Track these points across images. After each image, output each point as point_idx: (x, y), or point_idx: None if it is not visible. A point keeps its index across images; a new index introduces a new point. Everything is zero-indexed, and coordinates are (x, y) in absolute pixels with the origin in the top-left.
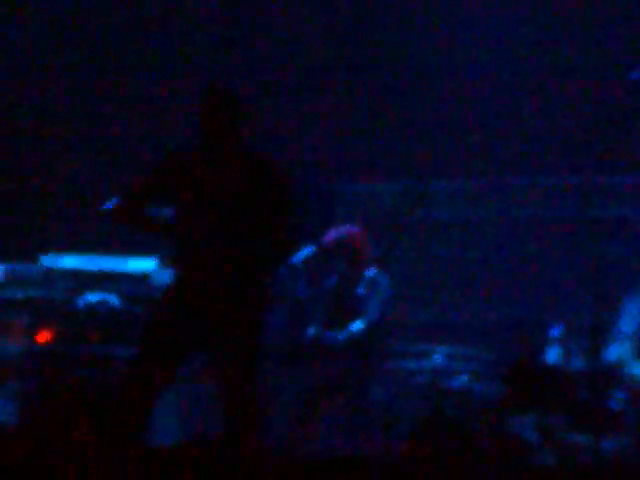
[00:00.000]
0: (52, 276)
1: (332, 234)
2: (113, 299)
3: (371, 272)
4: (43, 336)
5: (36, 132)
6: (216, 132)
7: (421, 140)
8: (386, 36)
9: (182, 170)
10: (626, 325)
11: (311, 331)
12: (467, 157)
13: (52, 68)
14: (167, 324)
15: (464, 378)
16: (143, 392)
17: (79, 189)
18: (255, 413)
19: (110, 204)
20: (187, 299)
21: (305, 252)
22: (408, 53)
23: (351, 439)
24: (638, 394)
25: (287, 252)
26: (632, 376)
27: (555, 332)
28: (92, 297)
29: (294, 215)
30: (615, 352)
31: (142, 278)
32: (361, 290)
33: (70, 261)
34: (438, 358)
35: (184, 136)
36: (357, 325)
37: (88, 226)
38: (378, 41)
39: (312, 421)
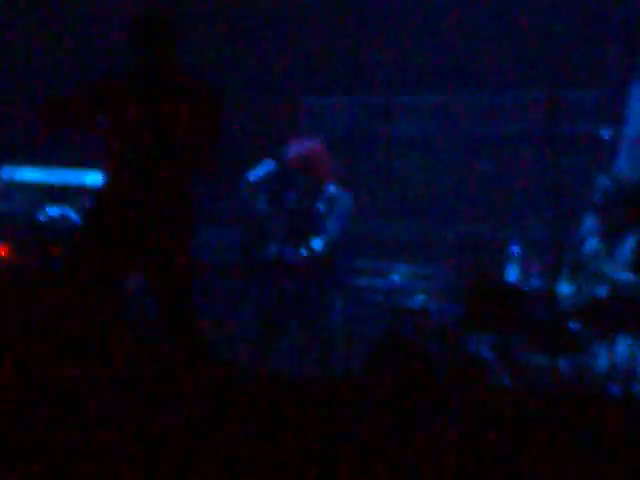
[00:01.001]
0: (12, 190)
1: (293, 149)
2: (72, 213)
3: (332, 188)
4: (2, 250)
5: None
6: (151, 56)
7: (384, 55)
8: None
9: (117, 90)
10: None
11: (272, 248)
12: (429, 73)
13: None
14: (100, 241)
15: (420, 297)
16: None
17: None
18: (196, 330)
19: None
20: (117, 212)
21: (265, 168)
22: None
23: (309, 359)
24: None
25: (211, 169)
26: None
27: (514, 250)
28: (52, 211)
29: (220, 134)
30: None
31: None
32: (322, 206)
33: (30, 174)
34: (395, 277)
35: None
36: (317, 242)
37: (47, 140)
38: None
39: (271, 340)
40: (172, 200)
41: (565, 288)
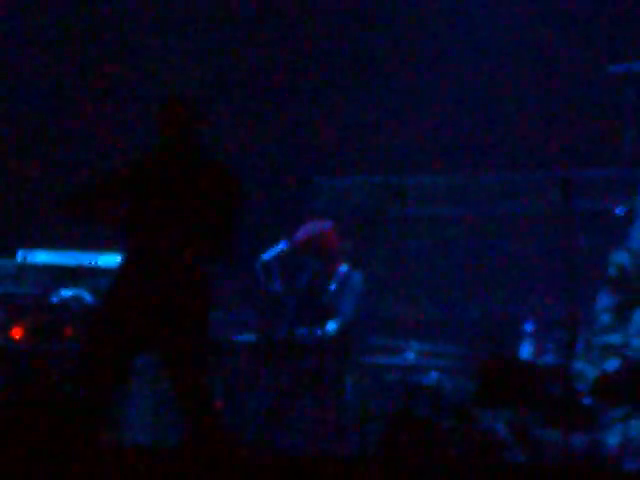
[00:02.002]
0: (26, 271)
1: (304, 231)
2: (86, 295)
3: (344, 268)
4: (16, 332)
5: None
6: (174, 137)
7: (398, 135)
8: (369, 28)
9: (139, 170)
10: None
11: (284, 328)
12: (441, 153)
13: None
14: (115, 321)
15: (435, 374)
16: (94, 389)
17: (53, 185)
18: (213, 406)
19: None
20: (134, 294)
21: (278, 248)
22: (387, 47)
23: (323, 436)
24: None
25: (229, 253)
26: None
27: (527, 327)
28: (66, 293)
29: (241, 218)
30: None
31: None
32: (334, 286)
33: (44, 256)
34: (410, 354)
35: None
36: (331, 324)
37: (61, 222)
38: (361, 33)
39: (285, 418)
40: (190, 282)
41: (579, 364)
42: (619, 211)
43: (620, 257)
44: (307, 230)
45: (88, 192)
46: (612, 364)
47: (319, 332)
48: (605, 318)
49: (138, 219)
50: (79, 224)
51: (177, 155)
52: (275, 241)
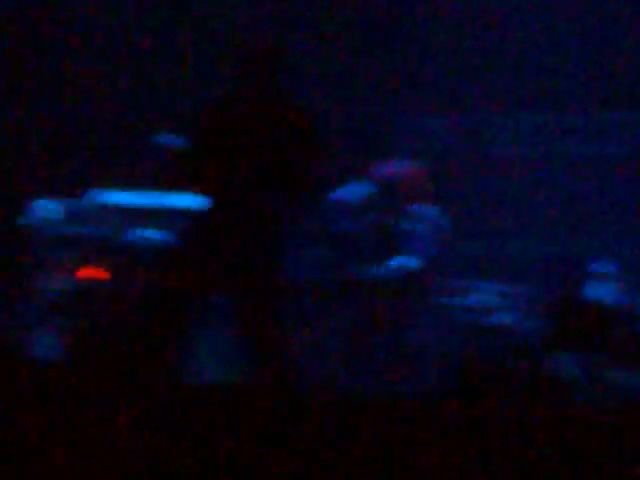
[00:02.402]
0: (102, 212)
1: (388, 169)
2: (162, 235)
3: (423, 207)
4: (92, 272)
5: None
6: (256, 84)
7: (477, 76)
8: None
9: (220, 119)
10: None
11: (361, 266)
12: (520, 93)
13: None
14: (189, 262)
15: (506, 315)
16: (165, 328)
17: (129, 126)
18: (281, 352)
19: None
20: (209, 237)
21: (356, 187)
22: None
23: (395, 377)
24: None
25: (310, 199)
26: None
27: (603, 268)
28: (141, 233)
29: (320, 161)
30: None
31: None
32: (414, 226)
33: (116, 197)
34: (480, 295)
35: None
36: (409, 260)
37: (136, 161)
38: None
39: (358, 357)
40: (265, 223)
41: None
42: None
43: None
44: (392, 168)
45: (191, 163)
46: None
47: (394, 270)
48: None
49: (217, 161)
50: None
51: (259, 106)
52: (348, 181)
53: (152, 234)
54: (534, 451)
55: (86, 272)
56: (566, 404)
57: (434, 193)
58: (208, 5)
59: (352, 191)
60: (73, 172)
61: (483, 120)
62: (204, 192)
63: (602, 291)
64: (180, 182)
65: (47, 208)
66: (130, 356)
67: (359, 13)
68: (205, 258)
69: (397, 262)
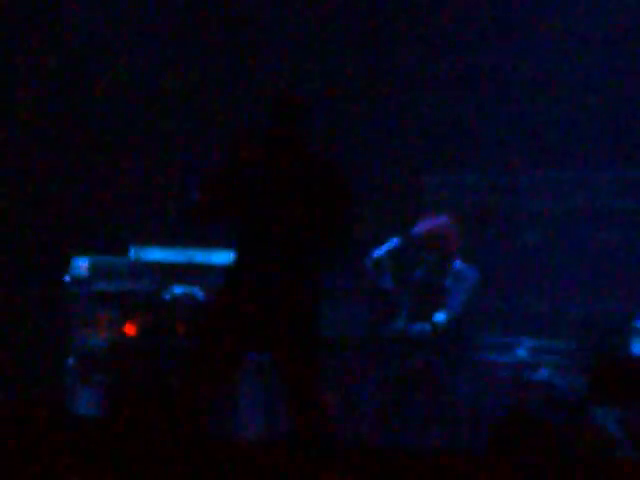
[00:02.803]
0: (139, 269)
1: (423, 224)
2: (198, 292)
3: (458, 263)
4: (130, 329)
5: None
6: (284, 137)
7: (508, 132)
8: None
9: (249, 170)
10: None
11: (399, 323)
12: (555, 149)
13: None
14: (227, 319)
15: (546, 371)
16: (202, 386)
17: (165, 181)
18: (320, 408)
19: (191, 201)
20: (246, 295)
21: (390, 244)
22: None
23: (434, 433)
24: None
25: (342, 252)
26: None
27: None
28: (178, 290)
29: (351, 216)
30: None
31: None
32: (449, 282)
33: (157, 254)
34: (521, 351)
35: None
36: (441, 316)
37: (173, 218)
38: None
39: (395, 414)
40: (301, 281)
41: None
42: None
43: None
44: (427, 223)
45: (213, 191)
46: None
47: (430, 327)
48: None
49: (251, 218)
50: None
51: (287, 155)
52: (385, 238)
53: (190, 290)
54: None
55: (129, 328)
56: (607, 460)
57: (466, 249)
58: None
59: (391, 247)
60: (115, 228)
61: (518, 176)
62: (237, 246)
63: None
64: (204, 213)
65: (86, 265)
66: (171, 414)
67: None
68: (244, 316)
69: (437, 318)
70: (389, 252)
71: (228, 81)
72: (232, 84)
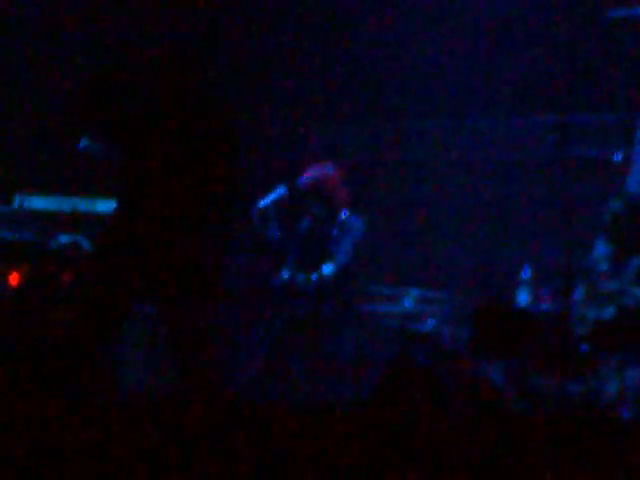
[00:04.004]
0: (23, 217)
1: (308, 175)
2: (83, 241)
3: (344, 214)
4: (14, 279)
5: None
6: (175, 90)
7: (396, 82)
8: None
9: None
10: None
11: (285, 273)
12: (442, 98)
13: None
14: (113, 269)
15: (432, 322)
16: (87, 336)
17: (49, 130)
18: (206, 360)
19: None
20: (131, 245)
21: (276, 194)
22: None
23: (320, 383)
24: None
25: (228, 201)
26: None
27: (524, 274)
28: (63, 239)
29: (237, 166)
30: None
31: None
32: (335, 232)
33: (41, 202)
34: (408, 301)
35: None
36: (327, 268)
37: (58, 167)
38: None
39: (281, 365)
40: (187, 232)
41: (576, 312)
42: (616, 157)
43: (615, 205)
44: (312, 174)
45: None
46: (608, 312)
47: (315, 277)
48: (602, 266)
49: (135, 165)
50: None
51: (175, 108)
52: (272, 187)
53: (75, 239)
54: (459, 455)
55: (13, 278)
56: (491, 411)
57: (353, 199)
58: None
59: (277, 197)
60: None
61: (405, 126)
62: (121, 194)
63: (524, 298)
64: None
65: None
66: (57, 366)
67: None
68: (130, 266)
69: (325, 270)
70: (275, 202)
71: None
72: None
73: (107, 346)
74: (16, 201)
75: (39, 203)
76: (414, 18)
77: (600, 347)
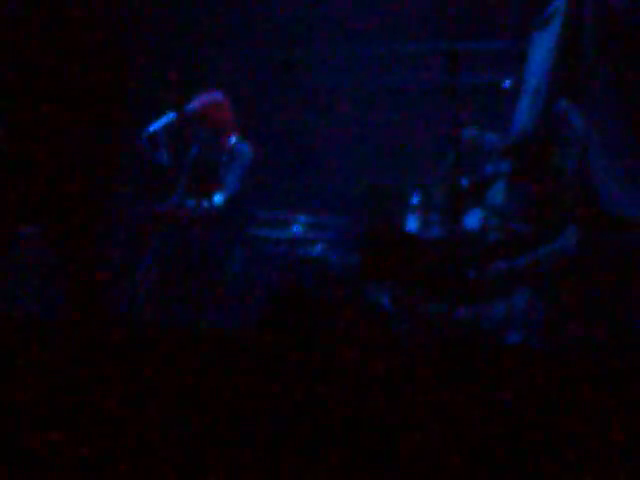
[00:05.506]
0: None
1: (198, 100)
2: None
3: (233, 140)
4: None
5: None
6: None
7: (287, 10)
8: None
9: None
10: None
11: (174, 199)
12: (332, 25)
13: None
14: None
15: (321, 247)
16: None
17: None
18: (92, 283)
19: None
20: (15, 167)
21: (167, 118)
22: None
23: (208, 310)
24: None
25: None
26: None
27: (414, 200)
28: None
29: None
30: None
31: None
32: (224, 158)
33: None
34: (297, 227)
35: None
36: (218, 197)
37: None
38: None
39: (170, 291)
40: (72, 158)
41: (465, 236)
42: (506, 84)
43: (468, 134)
44: (200, 100)
45: None
46: (493, 237)
47: (206, 204)
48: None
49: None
50: None
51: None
52: (161, 112)
53: None
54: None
55: None
56: (380, 335)
57: (242, 125)
58: None
59: (167, 122)
60: None
61: (295, 52)
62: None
63: (413, 223)
64: None
65: None
66: None
67: None
68: (14, 188)
69: (216, 199)
70: (165, 127)
71: None
72: None
73: None
74: None
75: None
76: None
77: (485, 272)
